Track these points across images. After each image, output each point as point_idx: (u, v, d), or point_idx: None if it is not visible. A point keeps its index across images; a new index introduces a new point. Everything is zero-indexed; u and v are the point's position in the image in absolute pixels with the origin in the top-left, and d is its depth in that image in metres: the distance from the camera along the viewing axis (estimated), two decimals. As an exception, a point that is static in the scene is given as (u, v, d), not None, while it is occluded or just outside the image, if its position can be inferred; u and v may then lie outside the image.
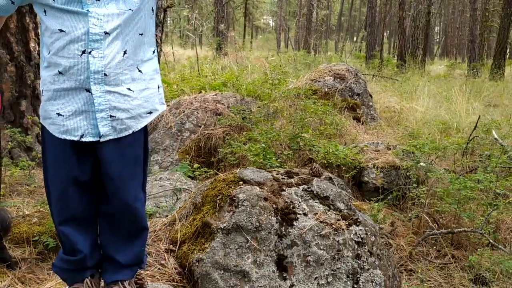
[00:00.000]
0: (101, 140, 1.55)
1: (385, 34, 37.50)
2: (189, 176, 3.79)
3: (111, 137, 1.56)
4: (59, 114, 1.54)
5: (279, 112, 5.14)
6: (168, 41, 18.50)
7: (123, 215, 1.68)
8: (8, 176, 3.81)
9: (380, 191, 3.89)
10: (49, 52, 1.53)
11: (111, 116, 1.54)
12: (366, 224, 2.26)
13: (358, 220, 2.22)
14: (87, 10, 1.47)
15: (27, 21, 4.20)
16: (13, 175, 3.85)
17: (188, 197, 2.88)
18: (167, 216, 2.85)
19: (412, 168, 3.83)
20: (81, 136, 1.54)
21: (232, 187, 2.25)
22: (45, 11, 1.52)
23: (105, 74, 1.50)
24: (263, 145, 3.65)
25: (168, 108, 4.99)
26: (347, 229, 2.14)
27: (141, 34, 1.60)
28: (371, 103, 7.07)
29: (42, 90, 1.58)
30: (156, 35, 6.20)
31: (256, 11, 39.31)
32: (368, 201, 3.77)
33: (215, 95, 5.22)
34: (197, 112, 4.79)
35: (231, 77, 6.87)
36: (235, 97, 5.24)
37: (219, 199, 2.22)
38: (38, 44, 4.39)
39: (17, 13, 4.07)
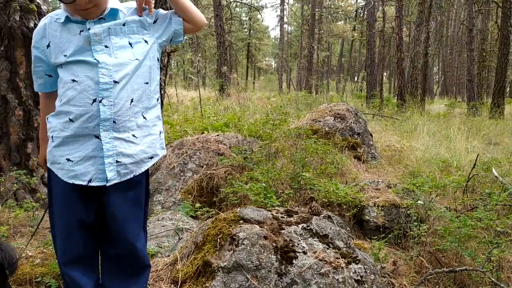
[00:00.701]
0: (107, 184, 1.61)
1: (385, 74, 38.17)
2: (191, 216, 3.82)
3: (115, 181, 1.62)
4: (68, 160, 1.61)
5: (280, 152, 5.21)
6: (172, 83, 18.89)
7: (126, 255, 1.72)
8: (12, 217, 3.84)
9: (381, 229, 3.90)
10: (60, 101, 1.62)
11: (117, 161, 1.61)
12: (366, 262, 2.28)
13: (357, 258, 2.24)
14: (97, 60, 1.57)
15: (36, 66, 4.36)
16: (17, 217, 3.89)
17: (189, 236, 2.91)
18: (169, 256, 2.87)
19: (412, 206, 3.85)
20: (89, 181, 1.61)
21: (233, 226, 2.29)
22: (61, 65, 1.63)
23: (114, 121, 1.58)
24: (264, 184, 3.70)
25: (171, 149, 5.08)
26: (347, 267, 2.16)
27: (147, 83, 1.69)
28: (371, 142, 7.15)
29: (52, 136, 1.66)
30: (160, 78, 6.39)
31: (258, 53, 40.27)
32: (369, 240, 3.77)
33: (217, 135, 5.32)
34: (200, 153, 4.87)
35: (233, 118, 7.01)
36: (236, 137, 5.33)
37: (219, 238, 2.26)
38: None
39: (26, 61, 4.23)
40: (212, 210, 3.89)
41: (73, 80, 1.59)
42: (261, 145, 5.26)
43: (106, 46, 1.61)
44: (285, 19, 41.27)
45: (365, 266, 2.22)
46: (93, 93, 1.58)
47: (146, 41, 1.70)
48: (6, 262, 2.31)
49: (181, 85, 23.46)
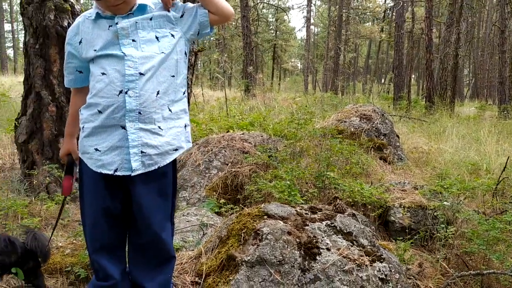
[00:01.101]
0: (132, 174, 1.66)
1: (413, 76, 37.54)
2: (216, 212, 3.86)
3: (140, 171, 1.67)
4: (96, 150, 1.67)
5: (305, 151, 5.21)
6: (198, 83, 19.08)
7: (151, 245, 1.76)
8: (44, 210, 3.97)
9: (407, 231, 3.85)
10: (91, 94, 1.68)
11: (142, 152, 1.66)
12: (390, 261, 2.26)
13: (382, 256, 2.23)
14: (123, 53, 1.62)
15: (68, 64, 4.49)
16: (48, 209, 4.01)
17: (214, 231, 2.95)
18: (193, 250, 2.91)
19: (439, 208, 3.79)
20: (115, 170, 1.66)
21: (257, 221, 2.32)
22: (92, 60, 1.69)
23: (140, 112, 1.63)
24: (288, 182, 3.71)
25: (197, 146, 5.14)
26: (371, 265, 2.15)
27: (173, 76, 1.73)
28: (398, 144, 7.05)
29: (83, 127, 1.73)
30: (187, 77, 6.47)
31: (284, 54, 40.21)
32: (394, 241, 3.73)
33: (242, 134, 5.35)
34: (225, 151, 4.91)
35: (258, 117, 7.03)
36: (261, 136, 5.36)
37: (243, 233, 2.28)
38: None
39: (60, 58, 4.36)
40: (236, 207, 3.93)
41: (103, 74, 1.65)
42: (286, 144, 5.26)
43: (133, 40, 1.67)
44: (312, 20, 41.10)
45: (390, 265, 2.21)
46: (119, 84, 1.63)
47: (172, 35, 1.74)
48: (39, 250, 2.41)
49: (207, 85, 23.67)
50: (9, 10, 46.30)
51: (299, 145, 5.18)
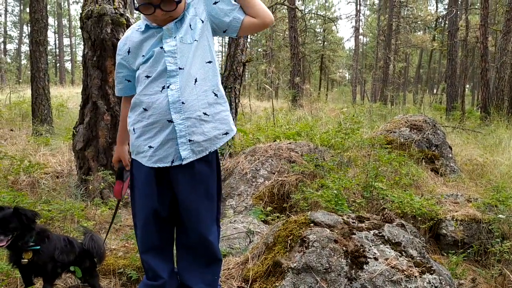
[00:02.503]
0: (183, 163, 1.71)
1: (467, 86, 36.12)
2: (262, 220, 3.88)
3: (191, 159, 1.72)
4: (150, 147, 1.75)
5: (353, 161, 5.14)
6: (246, 93, 19.30)
7: (198, 246, 1.82)
8: (98, 214, 4.15)
9: (460, 244, 3.71)
10: (136, 94, 1.77)
11: (189, 140, 1.71)
12: (441, 273, 2.20)
13: (432, 268, 2.17)
14: (163, 49, 1.70)
15: (123, 75, 4.70)
16: (102, 214, 4.19)
17: (260, 238, 2.97)
18: (240, 256, 2.95)
19: (494, 221, 3.63)
20: (172, 162, 1.73)
21: (303, 229, 2.32)
22: (139, 67, 1.78)
23: (183, 102, 1.69)
24: (335, 191, 3.68)
25: (244, 155, 5.21)
26: (420, 277, 2.10)
27: (210, 62, 1.78)
28: (450, 155, 6.81)
29: (133, 129, 1.81)
30: (236, 87, 6.59)
31: (332, 64, 39.88)
32: (446, 255, 3.60)
33: (289, 143, 5.37)
34: (272, 160, 4.95)
35: (305, 127, 7.02)
36: (308, 145, 5.35)
37: (290, 240, 2.29)
38: (131, 95, 4.87)
39: (114, 68, 4.58)
40: (283, 216, 3.93)
41: (147, 76, 1.74)
42: (333, 154, 5.22)
43: (175, 37, 1.74)
44: (361, 30, 40.63)
45: (441, 277, 2.14)
46: (162, 81, 1.72)
47: (202, 20, 1.78)
48: (95, 251, 2.53)
49: (254, 95, 23.89)
50: (68, 25, 48.92)
51: (347, 155, 5.12)
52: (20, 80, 25.72)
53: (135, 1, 1.69)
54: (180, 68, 1.71)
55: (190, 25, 1.75)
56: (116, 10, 4.53)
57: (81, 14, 4.66)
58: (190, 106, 1.72)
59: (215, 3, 1.77)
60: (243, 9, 1.78)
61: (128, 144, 1.94)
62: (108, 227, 2.45)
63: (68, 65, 50.55)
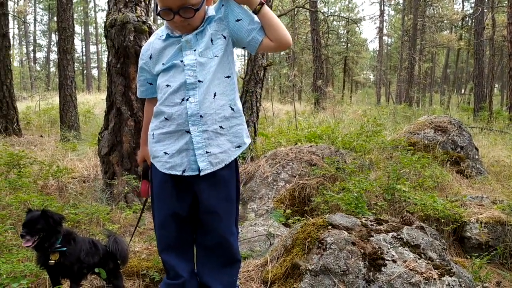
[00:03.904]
0: (201, 174, 1.77)
1: (496, 85, 35.24)
2: (283, 224, 3.91)
3: (208, 171, 1.78)
4: (165, 153, 1.82)
5: (374, 164, 5.11)
6: (268, 97, 19.34)
7: (218, 247, 1.86)
8: (123, 217, 4.25)
9: (484, 247, 3.64)
10: (158, 103, 1.84)
11: (207, 152, 1.77)
12: (461, 276, 2.18)
13: (452, 271, 2.15)
14: (183, 62, 1.75)
15: (146, 81, 4.80)
16: (126, 217, 4.29)
17: (280, 240, 3.00)
18: (259, 259, 2.98)
19: (521, 224, 3.55)
20: (183, 171, 1.79)
21: (321, 231, 2.34)
22: (159, 73, 1.85)
23: (201, 116, 1.76)
24: (355, 194, 3.67)
25: (265, 159, 5.24)
26: (439, 279, 2.09)
27: (229, 77, 1.83)
28: (477, 157, 6.68)
29: (152, 134, 1.88)
30: (257, 91, 6.64)
31: (355, 66, 39.55)
32: (470, 258, 3.54)
33: (310, 146, 5.38)
34: (292, 163, 4.96)
35: (326, 130, 7.01)
36: (329, 148, 5.34)
37: (308, 242, 2.31)
38: (154, 101, 4.97)
39: (137, 74, 4.68)
40: (303, 219, 3.95)
41: (167, 85, 1.81)
42: (355, 156, 5.20)
43: (194, 50, 1.79)
44: (385, 31, 40.18)
45: (460, 280, 2.12)
46: (182, 93, 1.77)
47: (224, 37, 1.83)
48: (119, 253, 2.61)
49: (276, 99, 23.92)
50: (94, 33, 50.06)
51: (368, 158, 5.10)
52: (49, 88, 26.47)
53: (158, 7, 1.75)
54: (199, 81, 1.76)
55: (211, 40, 1.80)
56: (139, 18, 4.64)
57: (105, 22, 4.79)
58: (208, 119, 1.78)
59: (238, 20, 1.81)
60: (264, 29, 1.82)
61: None
62: (134, 229, 2.52)
63: (94, 72, 51.71)
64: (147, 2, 4.84)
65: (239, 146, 1.88)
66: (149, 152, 1.93)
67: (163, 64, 1.83)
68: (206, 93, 1.77)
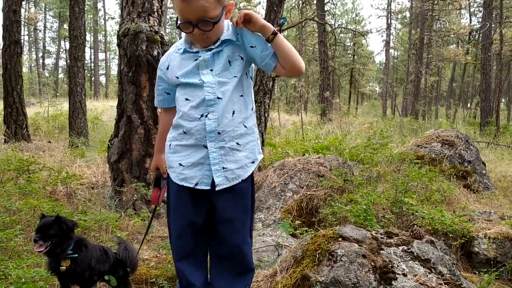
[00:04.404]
0: (216, 189, 1.81)
1: (502, 100, 35.15)
2: (290, 234, 3.91)
3: (224, 186, 1.82)
4: (180, 164, 1.86)
5: (382, 177, 5.11)
6: (275, 107, 19.40)
7: (232, 256, 1.88)
8: (131, 225, 4.28)
9: (492, 263, 3.63)
10: (177, 116, 1.88)
11: (223, 168, 1.81)
12: (471, 291, 2.18)
13: (462, 286, 2.16)
14: (202, 80, 1.80)
15: (157, 90, 4.85)
16: (134, 225, 4.31)
17: (288, 251, 3.00)
18: (268, 269, 2.98)
19: (529, 240, 3.54)
20: (196, 184, 1.82)
21: (331, 243, 2.35)
22: (178, 85, 1.89)
23: (219, 133, 1.80)
24: (364, 207, 3.68)
25: (273, 169, 5.26)
26: (450, 294, 2.09)
27: (242, 96, 1.89)
28: (484, 171, 6.66)
29: (169, 145, 1.92)
30: (265, 102, 6.68)
31: (361, 78, 39.61)
32: (478, 273, 3.53)
33: (318, 157, 5.39)
34: (300, 174, 4.98)
35: (334, 141, 7.03)
36: (337, 160, 5.35)
37: (318, 253, 2.32)
38: (164, 110, 5.01)
39: (149, 85, 4.74)
40: (311, 230, 3.95)
41: (186, 99, 1.85)
42: (362, 168, 5.21)
43: (211, 70, 1.84)
44: (391, 44, 40.30)
45: (471, 295, 2.12)
46: (201, 109, 1.82)
47: (242, 58, 1.88)
48: (129, 261, 2.63)
49: (283, 109, 23.97)
50: (103, 40, 50.53)
51: (376, 170, 5.10)
52: (57, 94, 26.68)
53: (178, 20, 1.80)
54: (218, 98, 1.81)
55: (229, 62, 1.85)
56: (151, 28, 4.71)
57: (118, 32, 4.86)
58: (226, 136, 1.82)
59: (252, 46, 1.86)
60: (277, 55, 1.85)
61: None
62: (143, 237, 2.55)
63: (102, 79, 52.07)
64: (160, 13, 4.91)
65: (253, 162, 1.93)
66: (166, 161, 1.96)
67: (177, 77, 1.87)
68: (225, 111, 1.81)
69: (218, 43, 1.84)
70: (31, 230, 3.55)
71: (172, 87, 1.96)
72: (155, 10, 4.83)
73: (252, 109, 1.97)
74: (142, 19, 4.73)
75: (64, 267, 2.38)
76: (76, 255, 2.42)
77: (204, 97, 1.80)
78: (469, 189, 6.08)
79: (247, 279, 1.94)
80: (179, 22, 1.78)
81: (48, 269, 2.44)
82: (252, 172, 1.95)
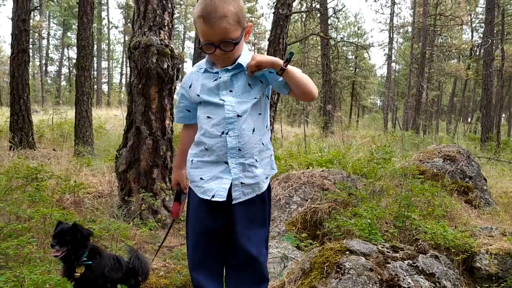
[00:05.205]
0: (233, 202, 1.90)
1: (503, 115, 35.31)
2: (296, 246, 3.98)
3: (240, 200, 1.91)
4: (201, 178, 1.95)
5: (385, 191, 5.19)
6: (277, 119, 19.53)
7: (247, 267, 1.96)
8: (138, 234, 4.34)
9: (494, 279, 3.69)
10: (199, 133, 1.98)
11: (241, 183, 1.91)
12: (475, 305, 2.25)
13: (466, 300, 2.23)
14: (223, 100, 1.90)
15: (166, 102, 4.95)
16: (141, 234, 4.38)
17: (296, 263, 3.07)
18: (275, 281, 3.05)
19: (530, 257, 3.60)
20: (212, 196, 1.91)
21: (339, 256, 2.42)
22: (199, 103, 1.99)
23: (239, 149, 1.90)
24: (369, 221, 3.75)
25: (278, 182, 5.34)
26: (454, 308, 2.16)
27: (260, 114, 2.00)
28: (485, 187, 6.73)
29: (191, 160, 2.02)
30: (270, 115, 6.78)
31: (363, 91, 39.87)
32: (480, 289, 3.59)
33: (322, 171, 5.47)
34: (305, 187, 5.06)
35: (337, 155, 7.11)
36: (341, 173, 5.43)
37: (326, 266, 2.40)
38: (172, 122, 5.11)
39: (158, 97, 4.85)
40: (316, 243, 4.02)
41: (208, 117, 1.96)
42: (366, 183, 5.28)
43: (230, 91, 1.95)
44: (393, 58, 40.57)
45: (474, 309, 2.19)
46: (222, 126, 1.92)
47: (261, 82, 2.00)
48: (141, 270, 2.70)
49: (285, 121, 24.09)
50: (106, 49, 50.89)
51: (379, 184, 5.18)
52: (60, 101, 26.82)
53: (200, 41, 1.90)
54: (238, 116, 1.91)
55: (249, 85, 1.95)
56: (162, 42, 4.82)
57: (129, 44, 4.98)
58: (245, 153, 1.93)
59: (270, 72, 1.96)
60: (290, 85, 1.97)
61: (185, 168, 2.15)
62: (158, 247, 2.62)
63: (104, 87, 52.34)
64: (170, 27, 5.03)
65: (267, 177, 2.03)
66: (188, 176, 2.05)
67: (198, 95, 1.98)
68: (245, 128, 1.92)
69: (235, 64, 1.94)
70: (42, 238, 3.62)
71: (193, 104, 2.06)
72: (165, 24, 4.95)
73: (267, 127, 2.06)
74: (153, 33, 4.84)
75: (79, 274, 2.46)
76: (91, 262, 2.50)
77: (224, 115, 1.90)
78: (470, 205, 6.14)
79: (261, 288, 2.02)
80: (201, 43, 1.88)
81: (63, 275, 2.52)
82: (269, 186, 2.04)
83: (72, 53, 49.98)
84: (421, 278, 2.30)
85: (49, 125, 13.29)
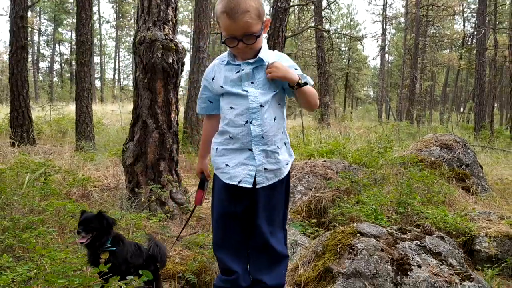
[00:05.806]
0: (257, 187, 2.03)
1: (495, 105, 35.65)
2: (302, 233, 4.12)
3: (264, 185, 2.04)
4: (227, 165, 2.08)
5: (386, 179, 5.34)
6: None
7: (262, 247, 2.11)
8: (148, 225, 4.46)
9: (494, 260, 3.85)
10: (223, 123, 2.10)
11: (265, 168, 2.04)
12: (480, 281, 2.40)
13: (471, 276, 2.37)
14: (246, 91, 2.02)
15: (171, 96, 5.05)
16: (151, 226, 4.50)
17: (308, 247, 3.21)
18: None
19: (528, 238, 3.77)
20: (239, 182, 2.04)
21: (351, 238, 2.56)
22: (222, 95, 2.11)
23: (262, 137, 2.03)
24: (373, 206, 3.90)
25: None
26: (461, 284, 2.31)
27: (280, 104, 2.14)
28: (481, 174, 6.92)
29: (216, 148, 2.14)
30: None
31: (356, 83, 40.02)
32: (480, 270, 3.75)
33: (324, 161, 5.61)
34: (308, 176, 5.19)
35: (337, 145, 7.26)
36: (343, 163, 5.58)
37: (339, 248, 2.54)
38: (177, 115, 5.21)
39: (164, 91, 4.94)
40: (322, 230, 4.17)
41: (231, 107, 2.07)
42: (367, 171, 5.43)
43: (252, 82, 2.06)
44: (386, 49, 40.73)
45: (480, 285, 2.34)
46: (245, 116, 2.04)
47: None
48: (160, 256, 2.83)
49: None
50: (98, 44, 50.58)
51: (380, 173, 5.33)
52: (55, 97, 26.73)
53: (222, 35, 2.01)
54: (261, 105, 2.04)
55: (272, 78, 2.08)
56: (166, 36, 4.91)
57: (134, 39, 5.06)
58: (268, 140, 2.06)
59: None
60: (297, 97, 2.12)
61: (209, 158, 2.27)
62: (179, 233, 2.75)
63: (97, 83, 52.11)
64: (174, 22, 5.12)
65: (287, 163, 2.17)
66: (212, 163, 2.18)
67: (221, 87, 2.10)
68: (268, 117, 2.05)
69: (257, 58, 2.06)
70: (57, 229, 3.72)
71: (215, 96, 2.18)
72: (169, 19, 5.03)
73: (284, 117, 2.19)
74: (158, 28, 4.93)
75: (103, 259, 2.58)
76: (115, 248, 2.62)
77: (248, 105, 2.02)
78: (467, 191, 6.32)
79: (282, 265, 2.16)
80: (224, 37, 1.99)
81: (88, 261, 2.64)
82: (289, 172, 2.17)
83: (64, 49, 49.72)
84: (429, 257, 2.44)
85: (47, 121, 13.32)
